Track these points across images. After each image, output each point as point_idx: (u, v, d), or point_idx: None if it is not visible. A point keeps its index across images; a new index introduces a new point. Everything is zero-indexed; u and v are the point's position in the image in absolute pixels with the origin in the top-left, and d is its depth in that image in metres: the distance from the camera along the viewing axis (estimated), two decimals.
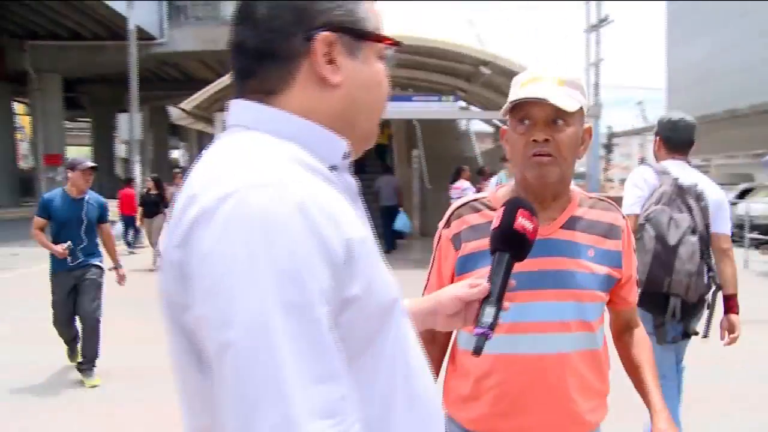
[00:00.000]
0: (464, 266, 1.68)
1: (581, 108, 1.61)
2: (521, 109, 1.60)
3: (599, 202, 1.76)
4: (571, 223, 1.68)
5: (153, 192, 12.24)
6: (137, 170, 14.65)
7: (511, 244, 1.35)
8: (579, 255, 1.65)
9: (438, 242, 1.77)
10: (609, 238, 1.70)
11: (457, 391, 1.75)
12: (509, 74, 13.34)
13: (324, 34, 0.98)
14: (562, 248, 1.65)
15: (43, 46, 29.78)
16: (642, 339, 1.85)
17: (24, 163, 47.36)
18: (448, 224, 1.75)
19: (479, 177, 12.74)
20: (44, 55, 30.62)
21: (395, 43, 1.08)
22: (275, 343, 0.80)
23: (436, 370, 1.77)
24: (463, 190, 11.42)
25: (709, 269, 3.24)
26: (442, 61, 14.14)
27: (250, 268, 0.81)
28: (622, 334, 1.86)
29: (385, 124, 18.24)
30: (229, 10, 35.56)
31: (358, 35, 1.03)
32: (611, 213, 1.74)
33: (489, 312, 1.31)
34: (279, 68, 1.00)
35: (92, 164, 5.59)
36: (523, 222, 1.35)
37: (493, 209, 1.67)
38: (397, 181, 14.17)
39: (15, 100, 37.70)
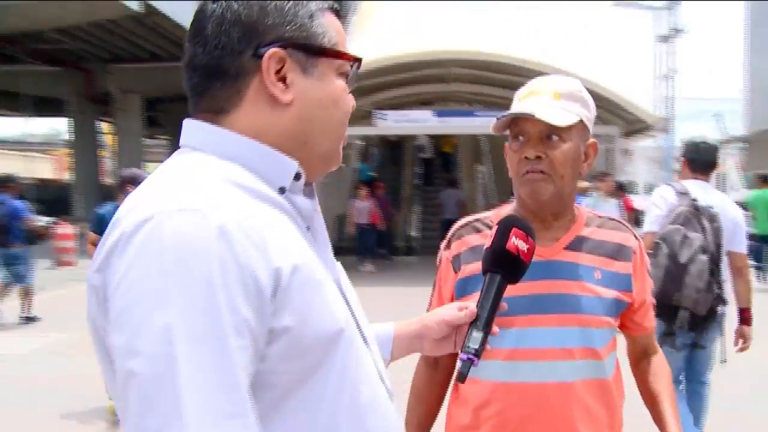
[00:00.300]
0: (464, 289, 1.62)
1: (581, 122, 1.54)
2: (516, 124, 1.54)
3: (609, 221, 1.68)
4: (577, 244, 1.60)
5: None
6: None
7: (503, 265, 1.30)
8: (584, 278, 1.57)
9: (439, 264, 1.72)
10: (618, 260, 1.61)
11: (457, 419, 1.68)
12: None
13: (273, 51, 0.96)
14: (566, 270, 1.57)
15: (126, 68, 31.11)
16: (660, 367, 1.74)
17: (108, 180, 49.55)
18: (448, 245, 1.70)
19: None
20: (126, 77, 31.99)
21: (355, 59, 1.05)
22: (180, 375, 0.77)
23: (440, 396, 1.75)
24: None
25: (719, 286, 3.41)
26: (504, 75, 14.02)
27: (159, 297, 0.79)
28: (639, 361, 1.77)
29: (450, 135, 18.25)
30: None
31: (312, 51, 1.00)
32: (621, 233, 1.65)
33: (476, 337, 1.25)
34: (228, 86, 0.97)
35: None
36: (516, 242, 1.30)
37: None
38: (459, 195, 14.12)
39: (101, 120, 39.56)
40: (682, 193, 3.59)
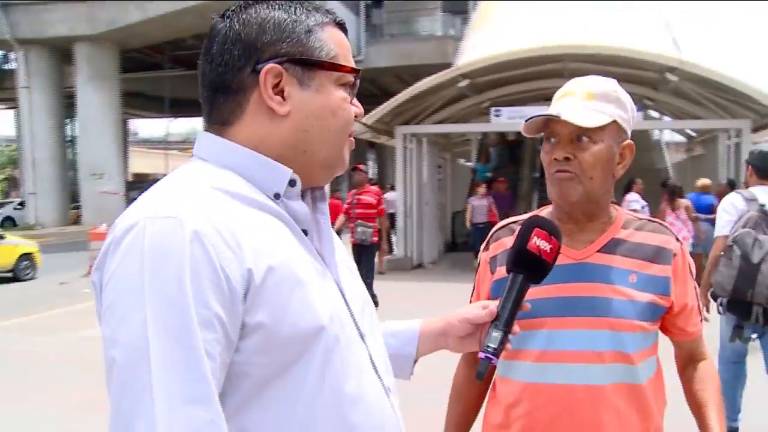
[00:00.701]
0: (498, 290, 1.54)
1: (615, 123, 1.52)
2: (548, 126, 1.55)
3: (649, 224, 1.63)
4: (612, 247, 1.57)
5: None
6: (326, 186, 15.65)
7: (524, 265, 1.30)
8: (617, 281, 1.53)
9: (479, 266, 1.73)
10: (656, 263, 1.56)
11: (491, 418, 1.68)
12: (699, 80, 12.58)
13: (269, 67, 1.02)
14: (598, 273, 1.54)
15: None
16: (707, 374, 1.68)
17: None
18: (487, 247, 1.71)
19: (664, 191, 12.18)
20: None
21: (353, 71, 1.10)
22: (150, 364, 0.86)
23: (479, 395, 1.77)
24: (629, 202, 10.93)
25: None
26: (624, 69, 13.62)
27: (138, 294, 0.88)
28: (686, 367, 1.71)
29: None
30: (422, 25, 36.80)
31: (309, 65, 1.05)
32: (661, 236, 1.60)
33: (495, 337, 1.26)
34: (231, 100, 1.05)
35: None
36: (538, 243, 1.30)
37: None
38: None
39: None
40: (751, 200, 3.94)
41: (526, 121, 1.56)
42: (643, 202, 11.22)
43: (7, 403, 5.30)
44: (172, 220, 0.91)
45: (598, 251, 1.57)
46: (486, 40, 17.42)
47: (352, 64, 1.11)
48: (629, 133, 1.59)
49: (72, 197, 29.28)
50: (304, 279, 1.00)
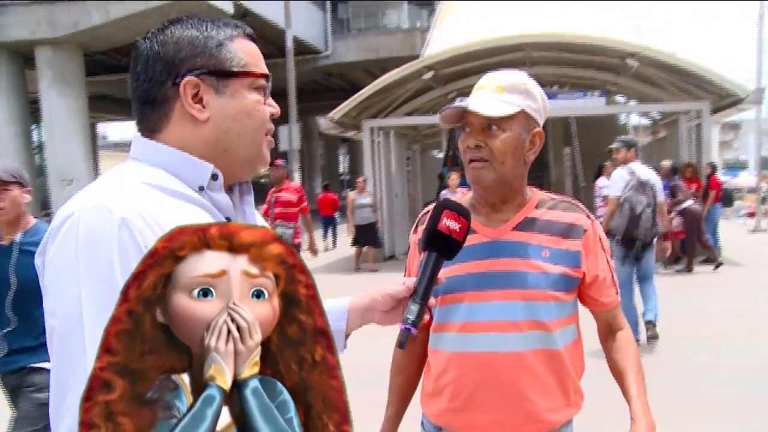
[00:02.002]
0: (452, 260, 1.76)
1: (523, 112, 1.65)
2: (464, 117, 1.67)
3: (561, 203, 1.77)
4: (526, 225, 1.70)
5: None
6: (296, 179, 15.70)
7: (436, 243, 1.41)
8: (531, 255, 1.66)
9: (409, 247, 1.86)
10: (568, 238, 1.70)
11: (424, 388, 1.81)
12: (660, 65, 12.82)
13: (187, 80, 1.15)
14: (513, 249, 1.67)
15: None
16: (625, 343, 1.80)
17: None
18: (415, 230, 1.82)
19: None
20: None
21: (264, 75, 1.22)
22: (84, 331, 0.96)
23: (418, 368, 1.87)
24: (600, 188, 11.12)
25: (655, 224, 6.19)
26: (586, 56, 13.82)
27: (73, 272, 1.00)
28: (606, 338, 1.84)
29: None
30: (389, 19, 36.84)
31: (222, 75, 1.17)
32: (573, 213, 1.74)
33: (413, 309, 1.36)
34: (157, 111, 1.18)
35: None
36: (447, 223, 1.41)
37: None
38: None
39: None
40: (631, 173, 6.26)
41: (440, 113, 1.69)
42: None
43: None
44: (102, 209, 1.02)
45: (513, 229, 1.70)
46: (451, 32, 17.54)
47: (263, 70, 1.23)
48: (540, 121, 1.71)
49: (42, 204, 28.95)
50: None
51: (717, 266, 10.80)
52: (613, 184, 6.37)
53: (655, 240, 6.32)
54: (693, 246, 10.87)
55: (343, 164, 49.17)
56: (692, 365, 5.79)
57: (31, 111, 27.81)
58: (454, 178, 11.86)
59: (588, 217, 1.75)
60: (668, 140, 15.65)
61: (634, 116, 21.06)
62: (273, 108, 1.26)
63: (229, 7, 25.04)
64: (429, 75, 13.63)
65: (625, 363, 1.74)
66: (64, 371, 0.98)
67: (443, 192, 13.82)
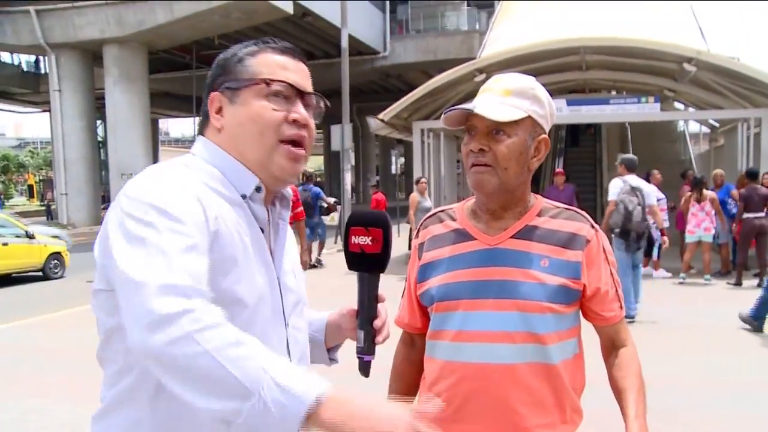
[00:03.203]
0: (423, 274, 1.71)
1: (529, 118, 1.59)
2: (469, 120, 1.61)
3: (565, 212, 1.68)
4: (526, 233, 1.63)
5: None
6: (348, 178, 15.84)
7: (357, 263, 1.41)
8: (529, 265, 1.59)
9: (411, 252, 1.82)
10: (568, 248, 1.61)
11: (420, 395, 1.75)
12: (717, 70, 12.47)
13: (212, 95, 1.33)
14: (509, 258, 1.61)
15: None
16: (627, 361, 1.70)
17: None
18: (417, 235, 1.79)
19: (683, 181, 12.11)
20: None
21: (264, 82, 1.30)
22: (129, 265, 1.09)
23: (417, 374, 1.82)
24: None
25: (646, 220, 8.06)
26: (643, 61, 13.54)
27: (129, 218, 1.15)
28: (609, 355, 1.74)
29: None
30: (448, 20, 36.77)
31: (234, 87, 1.31)
32: (576, 223, 1.65)
33: (360, 337, 1.37)
34: (204, 122, 1.38)
35: None
36: (356, 240, 1.41)
37: (454, 219, 1.72)
38: (574, 188, 13.31)
39: None
40: (625, 182, 8.18)
41: (444, 114, 1.64)
42: (661, 195, 11.13)
43: (36, 396, 5.57)
44: (162, 180, 1.21)
45: (512, 237, 1.63)
46: (508, 34, 17.43)
47: (282, 77, 1.30)
48: (546, 128, 1.65)
49: (103, 197, 29.92)
50: (244, 263, 1.23)
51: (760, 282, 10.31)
52: (610, 190, 8.49)
53: (648, 232, 8.29)
54: (743, 258, 10.48)
55: (396, 165, 49.26)
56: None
57: (97, 107, 28.82)
58: (558, 172, 12.06)
59: (592, 227, 1.66)
60: (725, 149, 15.20)
61: (693, 123, 20.51)
62: (295, 114, 1.30)
63: (288, 7, 25.47)
64: (481, 77, 13.56)
65: (625, 381, 1.65)
66: (131, 276, 1.08)
67: (549, 187, 13.40)
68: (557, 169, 12.97)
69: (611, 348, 1.74)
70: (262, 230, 1.31)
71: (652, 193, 8.45)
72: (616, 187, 8.20)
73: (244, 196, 1.29)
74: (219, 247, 1.18)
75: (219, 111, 1.33)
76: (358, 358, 1.36)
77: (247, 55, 1.33)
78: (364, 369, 1.38)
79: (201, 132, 1.38)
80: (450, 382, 1.63)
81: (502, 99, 1.59)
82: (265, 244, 1.31)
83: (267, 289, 1.28)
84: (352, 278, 1.43)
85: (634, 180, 8.24)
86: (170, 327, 1.01)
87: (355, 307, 1.43)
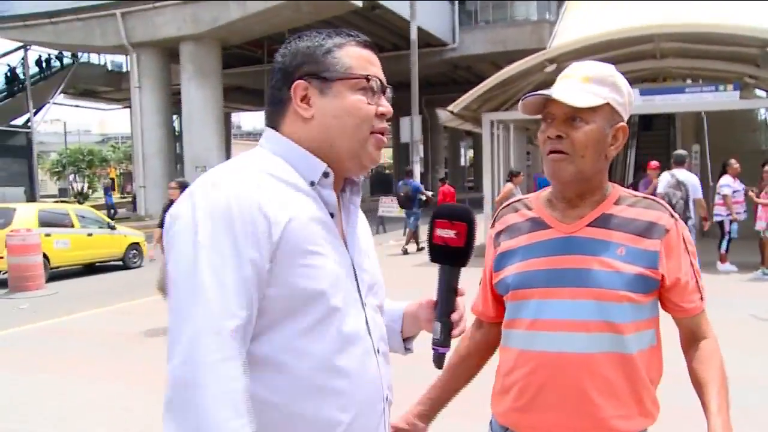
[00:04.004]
0: (499, 264, 1.72)
1: (608, 105, 1.57)
2: (546, 107, 1.60)
3: (643, 200, 1.65)
4: (602, 221, 1.61)
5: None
6: (417, 169, 15.93)
7: (440, 256, 1.42)
8: (605, 253, 1.57)
9: (487, 241, 1.82)
10: (646, 237, 1.58)
11: (495, 386, 1.75)
12: None
13: (297, 83, 1.33)
14: (585, 246, 1.59)
15: None
16: (709, 353, 1.65)
17: None
18: (493, 224, 1.80)
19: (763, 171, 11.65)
20: None
21: (363, 77, 1.34)
22: (196, 280, 1.14)
23: (473, 350, 1.86)
24: (721, 186, 10.56)
25: (688, 211, 9.31)
26: (720, 47, 13.04)
27: (190, 231, 1.18)
28: (688, 347, 1.70)
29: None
30: (517, 11, 36.29)
31: (326, 78, 1.32)
32: (654, 212, 1.62)
33: (436, 329, 1.37)
34: (277, 111, 1.37)
35: None
36: (441, 233, 1.42)
37: (530, 209, 1.72)
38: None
39: None
40: (672, 176, 9.26)
41: (522, 99, 1.62)
42: (737, 186, 10.78)
43: (112, 380, 5.91)
44: (224, 185, 1.21)
45: (588, 225, 1.61)
46: (579, 24, 17.10)
47: (372, 72, 1.36)
48: (625, 116, 1.63)
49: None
50: (317, 249, 1.26)
51: None
52: (660, 183, 9.45)
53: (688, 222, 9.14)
54: None
55: (465, 157, 49.08)
56: None
57: (173, 102, 29.79)
58: (652, 166, 11.64)
59: (672, 216, 1.63)
60: None
61: None
62: (384, 108, 1.37)
63: (358, 1, 25.72)
64: (552, 68, 13.37)
65: (707, 374, 1.60)
66: (183, 310, 1.15)
67: (643, 181, 13.02)
68: (652, 162, 12.13)
69: (692, 340, 1.69)
70: (332, 215, 1.33)
71: (698, 187, 9.61)
72: (664, 180, 9.19)
73: (312, 183, 1.32)
74: (290, 246, 1.22)
75: (304, 99, 1.34)
76: (434, 349, 1.37)
77: (335, 47, 1.35)
78: (438, 361, 1.40)
79: (272, 121, 1.39)
80: (524, 371, 1.62)
81: (581, 86, 1.58)
82: (335, 228, 1.33)
83: (342, 273, 1.30)
84: (424, 270, 1.49)
85: (681, 174, 9.22)
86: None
87: (434, 298, 1.45)
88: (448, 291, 1.39)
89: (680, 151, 9.69)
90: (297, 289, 1.22)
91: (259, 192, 1.22)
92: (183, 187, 7.20)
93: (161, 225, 6.98)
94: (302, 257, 1.23)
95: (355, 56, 1.35)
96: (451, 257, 1.40)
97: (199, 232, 1.17)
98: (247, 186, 1.22)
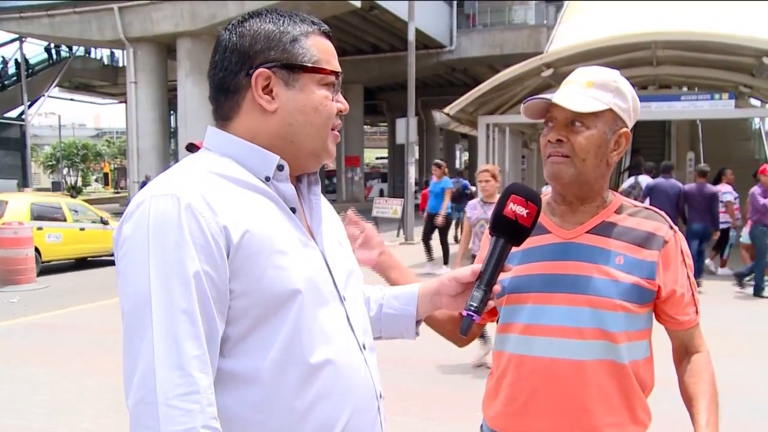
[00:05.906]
0: (521, 259, 1.66)
1: (610, 111, 1.57)
2: (549, 111, 1.60)
3: (644, 211, 1.65)
4: (602, 229, 1.61)
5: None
6: (412, 171, 15.93)
7: (502, 229, 1.41)
8: (603, 261, 1.57)
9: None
10: (645, 248, 1.58)
11: (487, 389, 1.74)
12: None
13: (259, 71, 1.21)
14: (584, 253, 1.59)
15: (350, 60, 33.15)
16: (700, 368, 1.64)
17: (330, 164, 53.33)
18: None
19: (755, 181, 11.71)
20: (350, 68, 34.13)
21: (334, 73, 1.27)
22: (153, 312, 1.07)
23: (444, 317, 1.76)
24: (723, 194, 10.61)
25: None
26: (716, 55, 13.11)
27: (144, 256, 1.08)
28: (680, 361, 1.70)
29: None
30: (515, 15, 36.32)
31: (293, 69, 1.22)
32: (654, 222, 1.62)
33: (476, 296, 1.35)
34: (230, 99, 1.24)
35: None
36: (513, 208, 1.40)
37: None
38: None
39: None
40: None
41: (524, 103, 1.63)
42: (735, 194, 10.86)
43: (103, 375, 5.89)
44: (171, 197, 1.10)
45: (588, 232, 1.61)
46: (576, 29, 17.14)
47: (335, 67, 1.28)
48: (629, 122, 1.62)
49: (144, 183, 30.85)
50: (283, 248, 1.18)
51: None
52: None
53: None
54: None
55: (460, 160, 49.15)
56: None
57: (169, 99, 29.69)
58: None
59: (671, 228, 1.63)
60: None
61: None
62: (342, 105, 1.30)
63: (356, 0, 25.68)
64: (548, 73, 13.44)
65: (697, 387, 1.60)
66: (135, 347, 1.08)
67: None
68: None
69: (684, 354, 1.69)
70: (294, 210, 1.25)
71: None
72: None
73: (268, 179, 1.23)
74: (252, 251, 1.14)
75: (266, 90, 1.23)
76: (467, 315, 1.35)
77: (301, 35, 1.25)
78: (467, 327, 1.36)
79: (222, 110, 1.27)
80: (517, 375, 1.62)
81: (583, 90, 1.57)
82: (299, 222, 1.25)
83: (314, 268, 1.23)
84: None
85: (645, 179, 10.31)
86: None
87: (479, 268, 1.41)
88: (497, 264, 1.39)
89: (702, 165, 10.53)
90: (268, 295, 1.15)
91: (209, 200, 1.13)
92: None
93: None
94: (267, 260, 1.15)
95: (321, 48, 1.27)
96: (513, 233, 1.41)
97: (146, 259, 1.08)
98: (195, 196, 1.12)
